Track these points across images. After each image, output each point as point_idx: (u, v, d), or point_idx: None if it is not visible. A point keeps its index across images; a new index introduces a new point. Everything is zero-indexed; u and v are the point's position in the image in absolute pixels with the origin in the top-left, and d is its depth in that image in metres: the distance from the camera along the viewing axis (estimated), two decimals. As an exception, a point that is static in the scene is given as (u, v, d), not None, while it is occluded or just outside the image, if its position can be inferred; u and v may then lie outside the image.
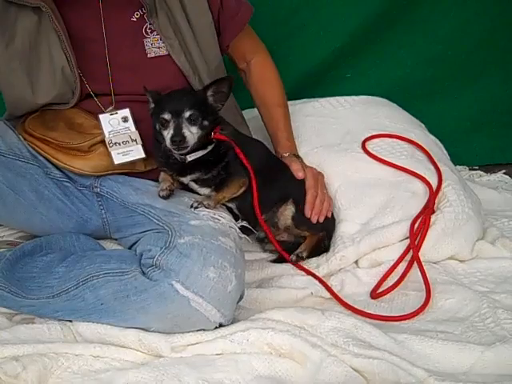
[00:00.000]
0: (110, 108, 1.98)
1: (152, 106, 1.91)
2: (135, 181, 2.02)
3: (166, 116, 1.84)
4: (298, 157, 2.20)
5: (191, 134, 1.83)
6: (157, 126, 1.87)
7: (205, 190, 1.98)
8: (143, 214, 1.93)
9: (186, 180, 1.97)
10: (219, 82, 1.90)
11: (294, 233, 2.13)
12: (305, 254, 2.09)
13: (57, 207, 2.01)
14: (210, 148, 1.91)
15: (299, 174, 2.11)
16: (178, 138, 1.81)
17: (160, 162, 1.98)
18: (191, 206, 1.88)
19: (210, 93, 1.89)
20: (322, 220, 2.10)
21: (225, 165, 1.93)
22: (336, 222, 2.19)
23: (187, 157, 1.90)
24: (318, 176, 2.17)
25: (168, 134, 1.83)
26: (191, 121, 1.84)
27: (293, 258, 2.08)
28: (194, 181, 1.96)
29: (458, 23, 2.77)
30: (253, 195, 1.97)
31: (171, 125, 1.83)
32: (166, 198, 1.93)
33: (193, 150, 1.89)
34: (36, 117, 2.05)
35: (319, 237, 2.13)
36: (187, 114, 1.83)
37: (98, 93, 2.00)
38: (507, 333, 1.73)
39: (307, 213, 2.08)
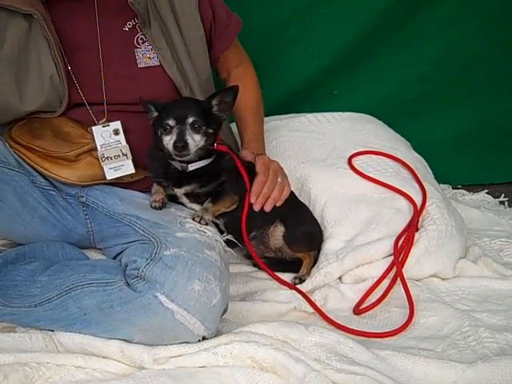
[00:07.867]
0: (103, 120, 1.98)
1: (155, 114, 1.91)
2: (121, 191, 2.01)
3: (171, 122, 1.84)
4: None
5: (193, 141, 1.84)
6: (159, 132, 1.87)
7: (195, 206, 1.98)
8: (129, 225, 1.92)
9: (180, 192, 1.96)
10: (224, 92, 1.92)
11: (288, 254, 2.11)
12: (307, 277, 2.08)
13: (41, 215, 1.99)
14: (211, 159, 1.92)
15: (247, 157, 2.07)
16: (181, 144, 1.82)
17: (156, 171, 1.97)
18: (193, 218, 1.88)
19: (214, 102, 1.91)
20: (268, 209, 2.00)
21: (221, 182, 1.94)
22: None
23: (189, 166, 1.91)
24: (271, 164, 2.09)
25: (171, 139, 1.84)
26: (194, 128, 1.85)
27: (296, 281, 2.06)
28: (187, 195, 1.96)
29: (444, 45, 2.82)
30: (242, 212, 1.98)
31: (174, 131, 1.84)
32: (158, 209, 1.92)
33: (195, 160, 1.90)
34: (23, 125, 2.03)
35: (315, 255, 2.13)
36: (190, 120, 1.84)
37: (88, 102, 1.99)
38: (488, 351, 1.75)
39: (251, 199, 2.00)
